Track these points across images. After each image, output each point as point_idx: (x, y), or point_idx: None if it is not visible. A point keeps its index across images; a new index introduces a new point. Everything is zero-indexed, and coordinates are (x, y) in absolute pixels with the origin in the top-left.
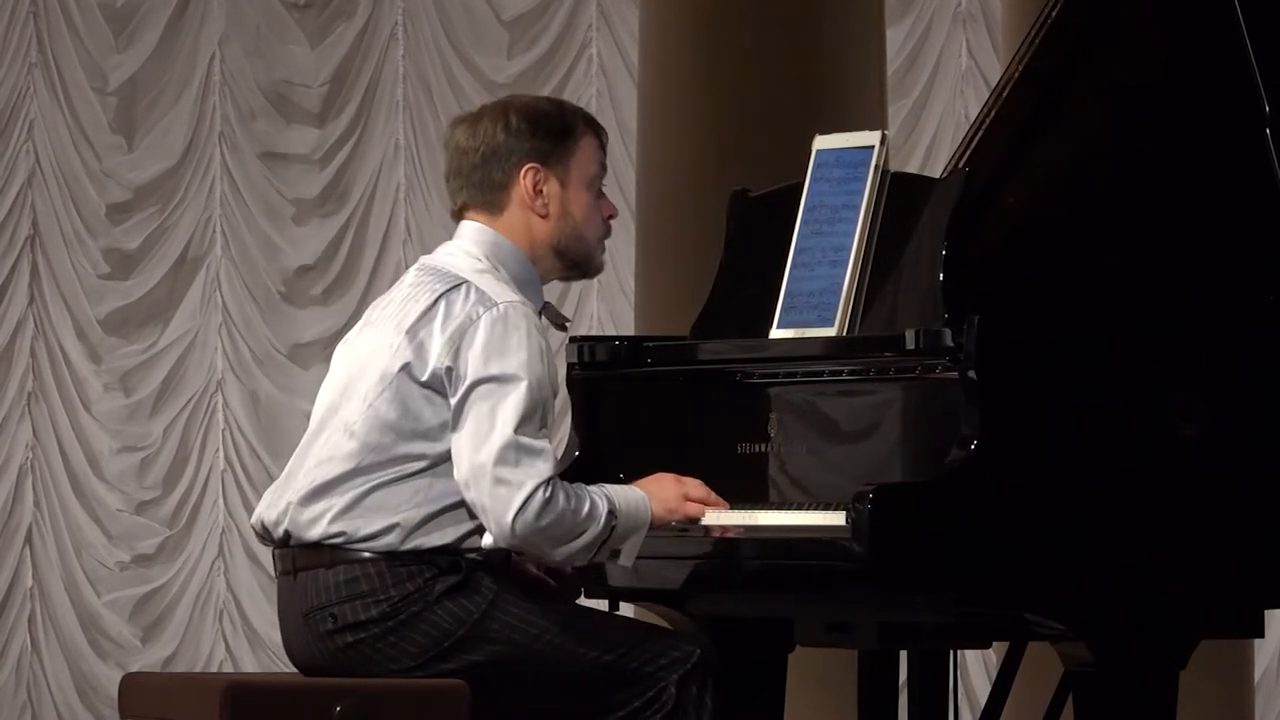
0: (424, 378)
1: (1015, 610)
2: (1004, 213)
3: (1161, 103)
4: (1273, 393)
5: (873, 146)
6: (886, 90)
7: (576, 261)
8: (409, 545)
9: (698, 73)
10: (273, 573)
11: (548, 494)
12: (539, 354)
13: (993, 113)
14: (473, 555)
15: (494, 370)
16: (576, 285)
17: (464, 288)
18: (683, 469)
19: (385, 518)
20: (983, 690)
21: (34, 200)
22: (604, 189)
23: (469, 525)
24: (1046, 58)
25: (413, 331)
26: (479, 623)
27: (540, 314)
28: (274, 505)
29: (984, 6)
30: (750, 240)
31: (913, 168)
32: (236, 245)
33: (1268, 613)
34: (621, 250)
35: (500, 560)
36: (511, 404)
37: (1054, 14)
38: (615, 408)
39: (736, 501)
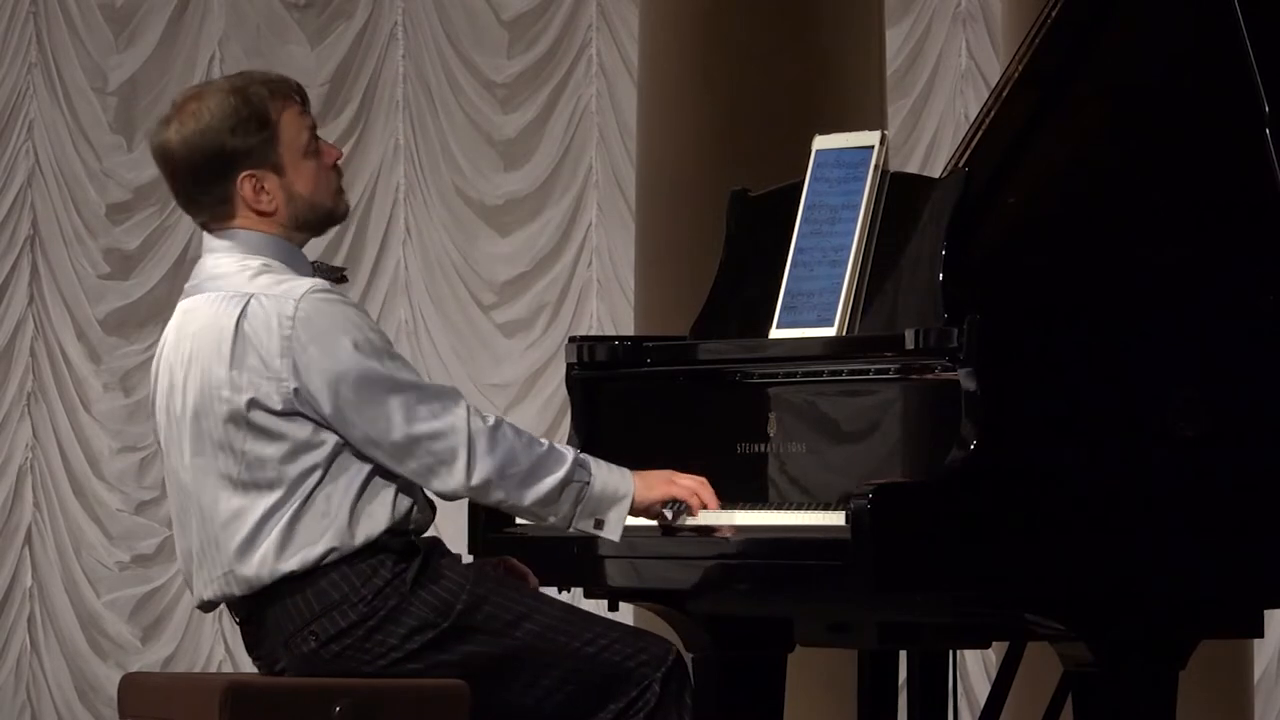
0: (278, 406)
1: (1015, 610)
2: (1004, 213)
3: (1161, 103)
4: (1273, 393)
5: (873, 146)
6: (886, 90)
7: (322, 219)
8: (358, 541)
9: (697, 73)
10: (235, 619)
11: (487, 422)
12: (356, 316)
13: (993, 113)
14: (417, 523)
15: (342, 361)
16: (576, 286)
17: (253, 303)
18: (683, 469)
19: (322, 536)
20: (983, 690)
21: (34, 200)
22: (320, 137)
23: (390, 492)
24: (1046, 58)
25: (238, 366)
26: (463, 613)
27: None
28: (210, 583)
29: (984, 6)
30: (750, 240)
31: (913, 168)
32: None
33: (1268, 613)
34: (621, 250)
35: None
36: (381, 372)
37: (1054, 14)
38: (615, 408)
39: (736, 501)
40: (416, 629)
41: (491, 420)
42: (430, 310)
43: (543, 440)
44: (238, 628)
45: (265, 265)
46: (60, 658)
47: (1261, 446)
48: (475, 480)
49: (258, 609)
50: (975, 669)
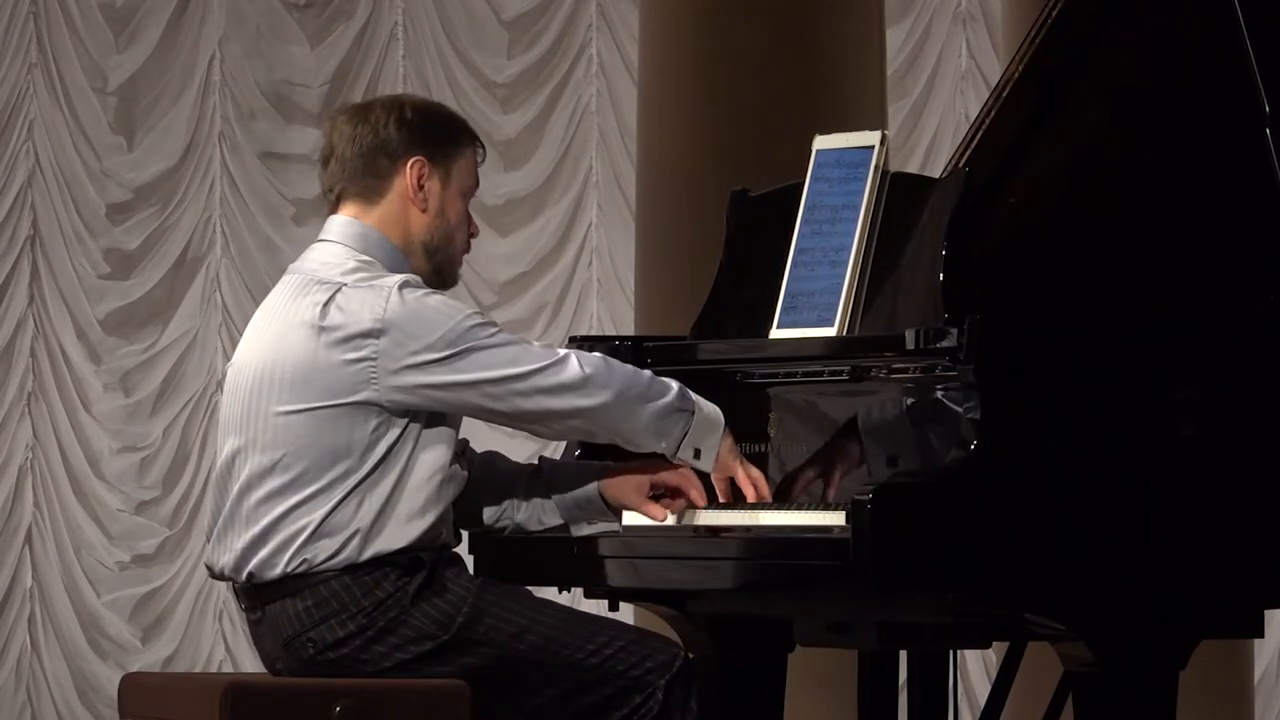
0: (349, 398)
1: (1015, 610)
2: (1004, 213)
3: (1161, 103)
4: (1273, 393)
5: (873, 146)
6: (886, 90)
7: (442, 265)
8: (368, 554)
9: (697, 73)
10: (240, 607)
11: (596, 353)
12: (447, 304)
13: (993, 113)
14: (434, 548)
15: (435, 350)
16: (576, 286)
17: (344, 291)
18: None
19: (341, 537)
20: (983, 690)
21: (34, 200)
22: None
23: (421, 525)
24: (1046, 58)
25: (316, 352)
26: (464, 626)
27: None
28: (227, 550)
29: (984, 6)
30: (750, 240)
31: (913, 168)
32: (236, 245)
33: (1268, 613)
34: (621, 250)
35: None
36: (480, 344)
37: (1054, 14)
38: None
39: (737, 501)
40: (414, 640)
41: (599, 354)
42: None
43: (642, 370)
44: (238, 628)
45: (368, 262)
46: (60, 658)
47: (1261, 446)
48: (598, 401)
49: (259, 601)
50: (975, 669)
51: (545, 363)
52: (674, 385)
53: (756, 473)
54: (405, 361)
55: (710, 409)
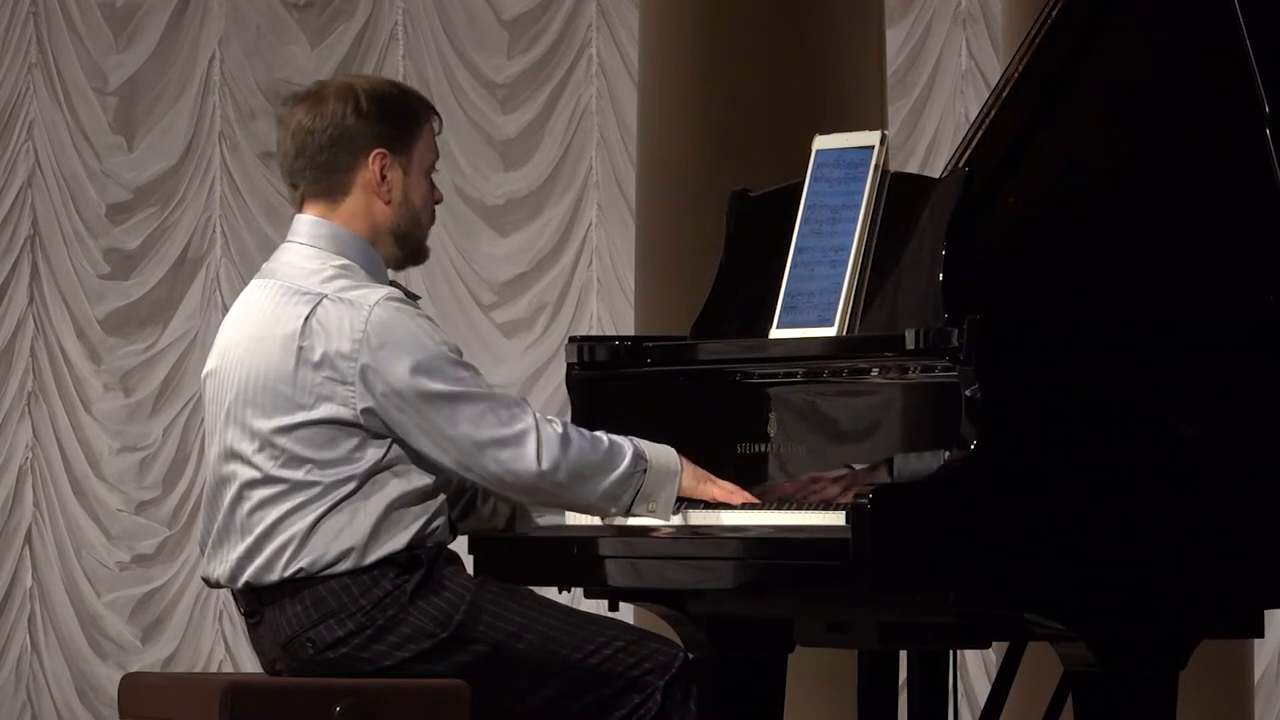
0: (331, 413)
1: (1015, 610)
2: (1004, 213)
3: (1161, 103)
4: (1272, 393)
5: (873, 146)
6: (886, 90)
7: (412, 248)
8: (369, 559)
9: (697, 73)
10: (239, 609)
11: (556, 428)
12: (427, 328)
13: (993, 113)
14: (434, 543)
15: (407, 379)
16: (576, 286)
17: (325, 303)
18: None
19: (338, 544)
20: (983, 690)
21: (34, 200)
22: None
23: (418, 522)
24: (1046, 58)
25: (302, 365)
26: (462, 624)
27: None
28: (222, 561)
29: (984, 6)
30: (750, 240)
31: (913, 168)
32: (236, 245)
33: (1268, 613)
34: (621, 250)
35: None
36: (446, 390)
37: (1054, 14)
38: (615, 408)
39: None
40: (413, 638)
41: (559, 425)
42: (430, 310)
43: (600, 435)
44: (238, 628)
45: (345, 268)
46: (60, 658)
47: (1261, 446)
48: (548, 484)
49: (259, 605)
50: (975, 669)
51: (505, 434)
52: (628, 450)
53: (729, 484)
54: (377, 386)
55: (662, 461)
